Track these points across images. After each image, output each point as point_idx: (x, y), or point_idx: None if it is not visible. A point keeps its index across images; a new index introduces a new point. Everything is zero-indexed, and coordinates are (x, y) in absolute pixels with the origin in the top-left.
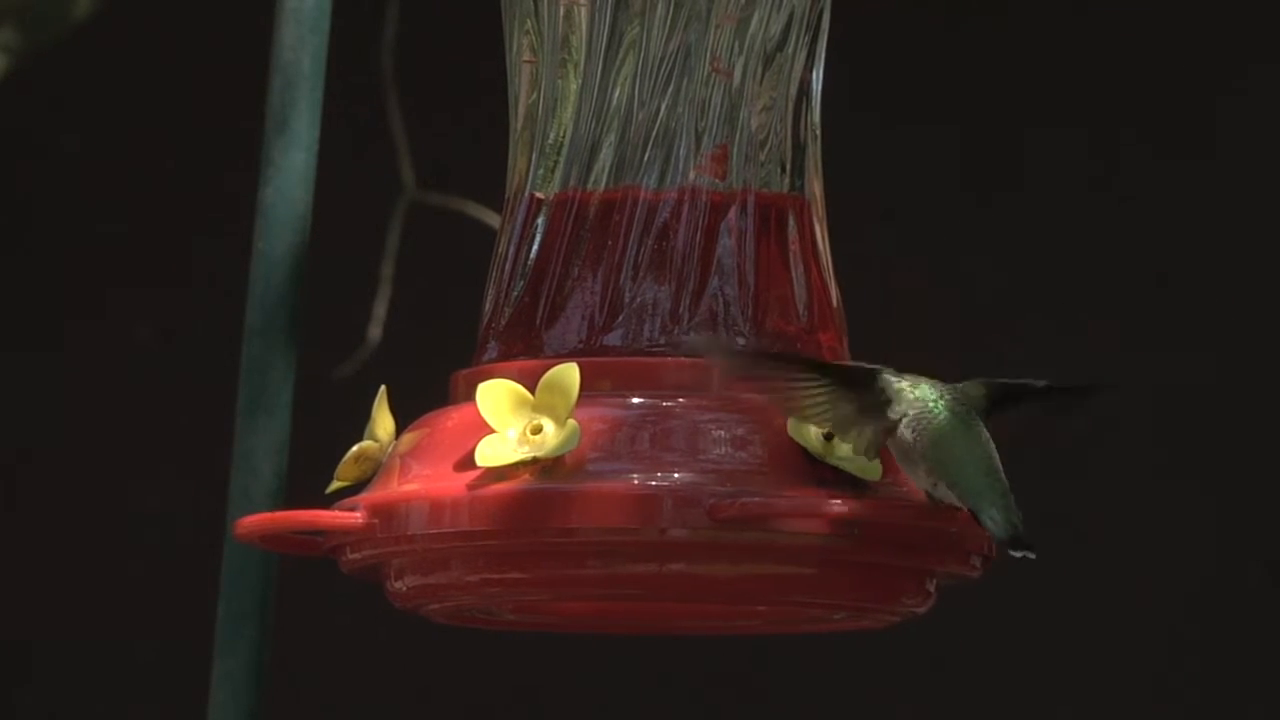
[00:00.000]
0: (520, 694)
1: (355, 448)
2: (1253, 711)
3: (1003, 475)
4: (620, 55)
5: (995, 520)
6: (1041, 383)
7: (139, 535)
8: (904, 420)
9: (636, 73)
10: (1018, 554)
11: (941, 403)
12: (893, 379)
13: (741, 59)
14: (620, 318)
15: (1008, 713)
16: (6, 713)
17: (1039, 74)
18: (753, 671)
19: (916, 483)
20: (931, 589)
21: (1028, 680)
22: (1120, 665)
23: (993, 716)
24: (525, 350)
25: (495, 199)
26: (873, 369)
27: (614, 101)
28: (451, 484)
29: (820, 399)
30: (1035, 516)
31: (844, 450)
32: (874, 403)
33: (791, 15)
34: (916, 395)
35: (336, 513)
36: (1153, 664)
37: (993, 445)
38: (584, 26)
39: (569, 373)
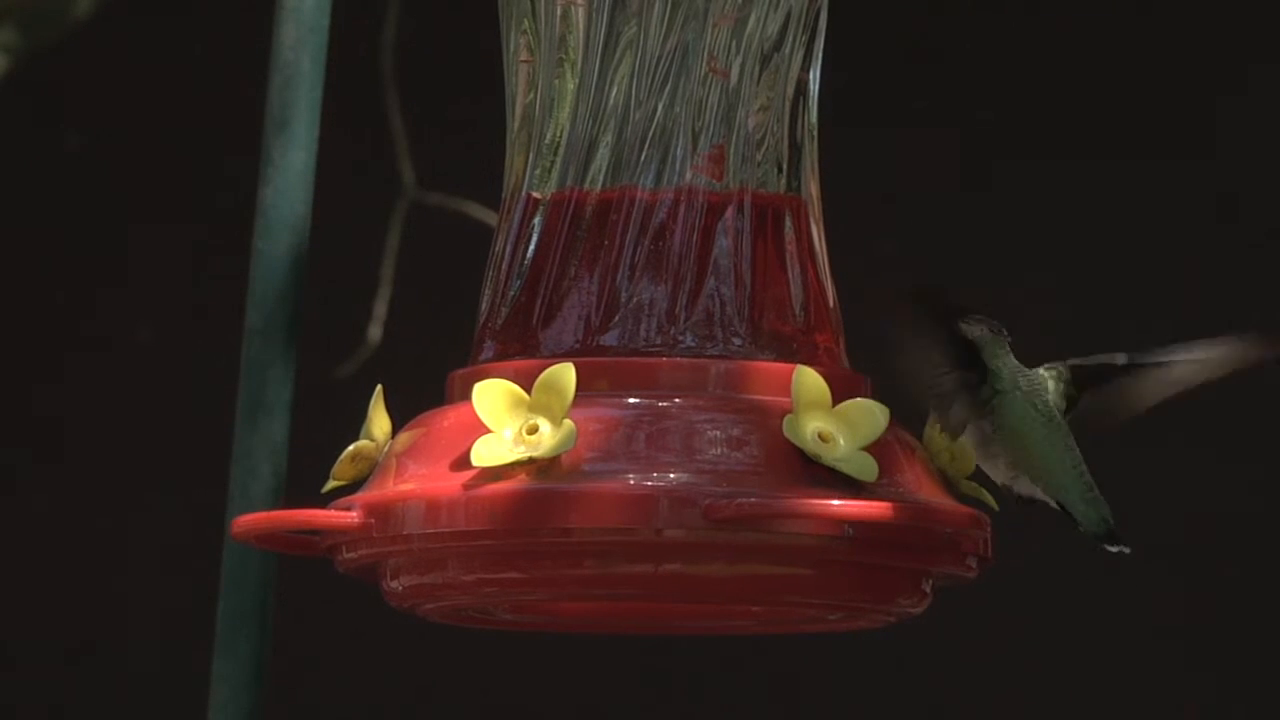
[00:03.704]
0: (517, 694)
1: (351, 447)
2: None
3: (1085, 469)
4: (617, 55)
5: (1086, 516)
6: (1122, 359)
7: (139, 535)
8: (986, 407)
9: (633, 72)
10: (1114, 549)
11: (1019, 391)
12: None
13: (739, 59)
14: (617, 318)
15: (1007, 713)
16: (5, 712)
17: (1039, 74)
18: (749, 672)
19: (994, 476)
20: (927, 589)
21: (1026, 680)
22: (1120, 666)
23: (991, 716)
24: (522, 350)
25: (494, 199)
26: (982, 337)
27: (611, 101)
28: (447, 484)
29: (943, 368)
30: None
31: (839, 451)
32: (974, 378)
33: (789, 15)
34: (998, 385)
35: (332, 512)
36: (1152, 665)
37: (1073, 437)
38: (581, 26)
39: (565, 373)
